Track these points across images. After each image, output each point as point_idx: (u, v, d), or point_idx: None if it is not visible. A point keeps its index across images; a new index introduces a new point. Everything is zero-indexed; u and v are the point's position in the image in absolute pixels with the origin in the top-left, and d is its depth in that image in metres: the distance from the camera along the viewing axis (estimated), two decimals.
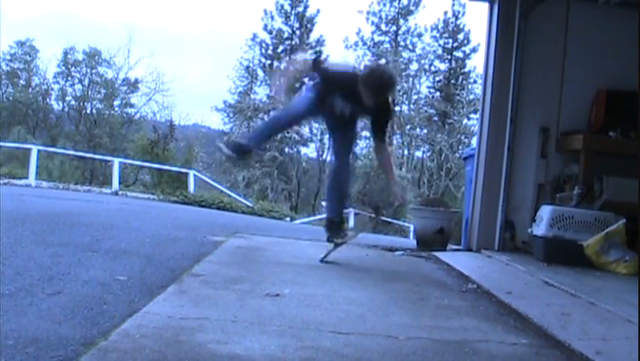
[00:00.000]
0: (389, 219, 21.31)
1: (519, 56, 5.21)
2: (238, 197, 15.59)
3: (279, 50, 32.12)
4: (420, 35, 32.34)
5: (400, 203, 4.93)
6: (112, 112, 28.96)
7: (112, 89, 28.77)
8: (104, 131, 27.68)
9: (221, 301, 2.88)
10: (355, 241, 4.69)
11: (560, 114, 5.35)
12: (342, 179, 4.55)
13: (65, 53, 28.52)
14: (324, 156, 29.21)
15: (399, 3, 32.33)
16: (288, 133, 29.52)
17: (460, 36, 32.37)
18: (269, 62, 32.03)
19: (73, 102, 29.40)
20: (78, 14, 41.31)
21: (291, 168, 29.68)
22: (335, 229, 4.46)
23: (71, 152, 21.40)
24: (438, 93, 32.12)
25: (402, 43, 32.35)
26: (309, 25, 32.11)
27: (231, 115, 31.13)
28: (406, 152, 30.06)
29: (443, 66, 32.75)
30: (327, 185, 4.62)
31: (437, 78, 32.24)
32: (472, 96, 28.77)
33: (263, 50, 32.12)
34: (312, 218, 17.20)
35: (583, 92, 5.34)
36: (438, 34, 32.42)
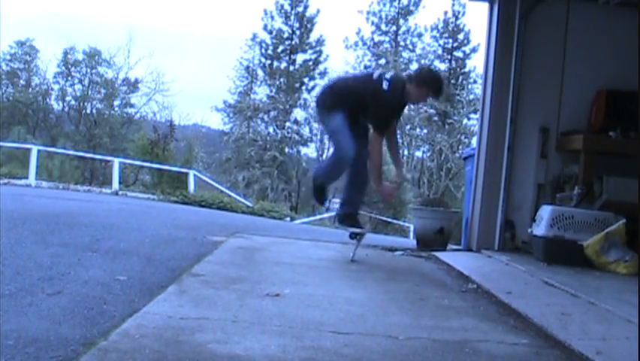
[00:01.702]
0: (389, 219, 21.32)
1: (519, 56, 5.21)
2: (238, 197, 15.57)
3: (279, 50, 32.15)
4: (420, 35, 32.39)
5: (403, 181, 5.01)
6: (112, 112, 28.95)
7: (112, 89, 28.76)
8: (104, 131, 27.68)
9: (221, 301, 2.88)
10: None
11: (560, 114, 5.35)
12: (363, 175, 4.60)
13: (65, 53, 28.52)
14: (324, 156, 29.20)
15: (399, 3, 32.34)
16: (288, 134, 29.61)
17: (460, 36, 32.39)
18: (269, 62, 32.06)
19: (73, 102, 29.39)
20: (78, 14, 41.36)
21: (291, 168, 29.69)
22: (353, 220, 4.59)
23: (71, 152, 21.38)
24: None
25: (402, 43, 32.37)
26: (309, 25, 32.10)
27: (231, 115, 31.13)
28: (406, 152, 30.05)
29: (443, 66, 32.71)
30: (349, 180, 4.65)
31: None
32: (472, 96, 28.78)
33: (263, 50, 32.11)
34: (312, 218, 17.19)
35: (583, 92, 5.34)
36: (438, 34, 32.43)
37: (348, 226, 4.59)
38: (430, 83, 4.40)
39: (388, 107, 4.40)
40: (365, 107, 4.36)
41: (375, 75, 4.52)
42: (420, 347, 2.43)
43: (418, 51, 32.21)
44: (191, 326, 2.42)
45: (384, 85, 4.33)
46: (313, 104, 5.14)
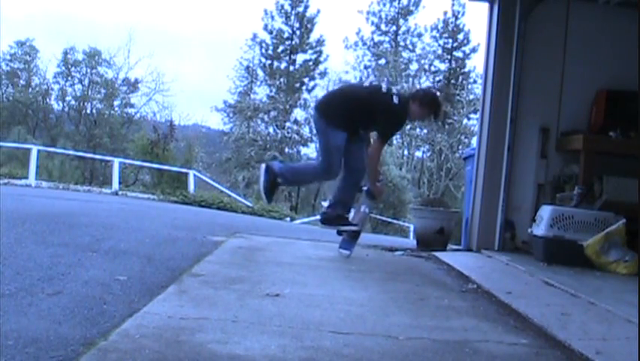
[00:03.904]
0: (389, 219, 21.32)
1: (519, 56, 5.21)
2: (238, 197, 15.56)
3: (279, 50, 32.16)
4: (420, 35, 32.42)
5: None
6: (112, 112, 28.96)
7: (112, 89, 28.76)
8: (104, 131, 27.68)
9: (221, 301, 2.88)
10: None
11: (560, 114, 5.35)
12: (358, 180, 4.68)
13: (65, 53, 28.52)
14: None
15: (399, 3, 32.36)
16: (288, 134, 29.61)
17: (460, 36, 32.42)
18: (269, 62, 32.07)
19: (73, 102, 29.41)
20: (78, 14, 41.35)
21: None
22: (343, 219, 4.65)
23: (71, 152, 21.37)
24: (438, 93, 32.01)
25: (402, 44, 32.39)
26: (309, 25, 32.13)
27: (231, 115, 31.14)
28: (405, 152, 30.07)
29: (443, 66, 32.78)
30: (344, 184, 4.70)
31: (437, 78, 32.26)
32: (472, 96, 28.78)
33: (263, 50, 32.14)
34: (312, 218, 17.17)
35: (583, 92, 5.34)
36: (438, 34, 32.46)
37: (339, 226, 4.65)
38: (433, 105, 4.67)
39: (398, 120, 4.64)
40: (371, 117, 4.49)
41: (384, 88, 4.66)
42: (420, 347, 2.43)
43: (418, 51, 32.25)
44: (191, 326, 2.42)
45: (395, 99, 4.51)
46: (313, 107, 5.14)
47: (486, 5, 5.50)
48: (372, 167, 4.61)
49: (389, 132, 4.75)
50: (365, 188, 4.71)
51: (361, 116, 4.49)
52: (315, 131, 5.05)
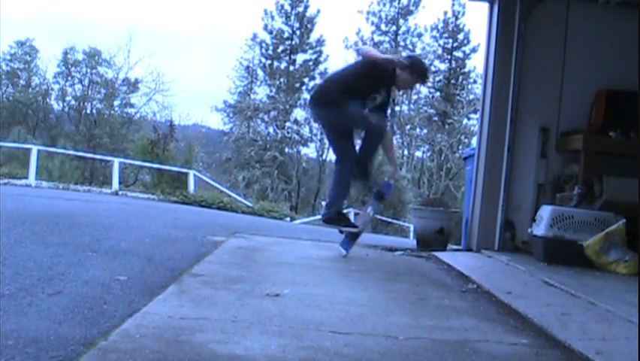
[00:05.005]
0: (389, 219, 21.32)
1: (519, 56, 5.21)
2: (238, 197, 15.57)
3: (279, 50, 32.16)
4: (420, 35, 32.48)
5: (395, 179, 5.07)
6: (112, 112, 28.99)
7: (112, 89, 28.79)
8: (104, 131, 27.72)
9: (221, 301, 2.88)
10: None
11: (560, 114, 5.35)
12: (349, 174, 4.66)
13: (65, 53, 28.57)
14: (324, 156, 29.25)
15: (399, 3, 32.38)
16: (288, 134, 29.56)
17: (460, 36, 32.45)
18: (269, 62, 32.08)
19: (73, 102, 29.45)
20: (78, 14, 41.36)
21: (291, 168, 29.69)
22: (345, 220, 4.72)
23: (71, 152, 21.40)
24: (438, 93, 32.14)
25: (402, 43, 32.40)
26: (309, 25, 32.15)
27: (231, 115, 31.15)
28: (405, 152, 30.08)
29: (443, 66, 32.81)
30: (337, 179, 4.70)
31: (437, 78, 32.28)
32: (472, 96, 28.81)
33: (263, 50, 32.16)
34: (312, 218, 17.17)
35: (583, 92, 5.34)
36: (438, 34, 32.50)
37: (341, 226, 4.66)
38: (420, 70, 4.76)
39: (383, 72, 4.58)
40: (364, 84, 4.48)
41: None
42: (420, 347, 2.43)
43: (418, 51, 32.23)
44: (191, 326, 2.42)
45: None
46: (310, 104, 5.14)
47: (486, 5, 5.50)
48: (388, 146, 4.71)
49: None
50: (375, 190, 4.70)
51: (361, 85, 4.49)
52: (324, 129, 5.11)
